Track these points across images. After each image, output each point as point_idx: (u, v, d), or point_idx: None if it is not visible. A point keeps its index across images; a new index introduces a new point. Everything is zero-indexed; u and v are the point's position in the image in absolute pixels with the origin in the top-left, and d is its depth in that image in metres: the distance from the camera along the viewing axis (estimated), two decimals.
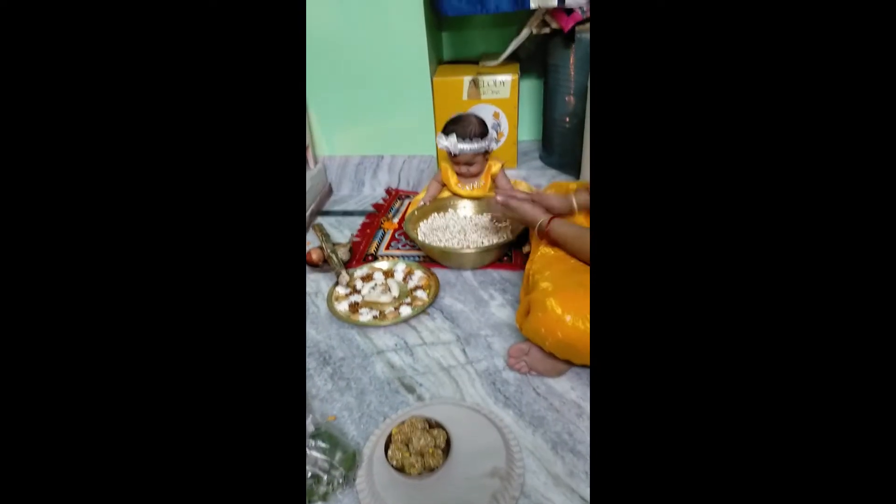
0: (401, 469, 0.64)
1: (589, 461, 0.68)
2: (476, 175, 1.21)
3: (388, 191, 1.50)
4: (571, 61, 1.27)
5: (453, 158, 1.18)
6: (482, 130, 1.16)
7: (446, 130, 1.16)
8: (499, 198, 0.93)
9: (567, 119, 1.36)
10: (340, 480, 0.66)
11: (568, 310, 0.69)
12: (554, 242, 0.85)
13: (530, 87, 1.59)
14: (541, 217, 0.88)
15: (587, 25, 1.20)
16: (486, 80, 1.33)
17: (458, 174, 1.22)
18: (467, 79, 1.34)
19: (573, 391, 0.79)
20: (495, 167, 1.20)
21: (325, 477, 0.66)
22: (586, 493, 0.64)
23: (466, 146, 1.14)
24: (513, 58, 1.39)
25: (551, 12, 1.22)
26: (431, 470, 0.64)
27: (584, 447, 0.70)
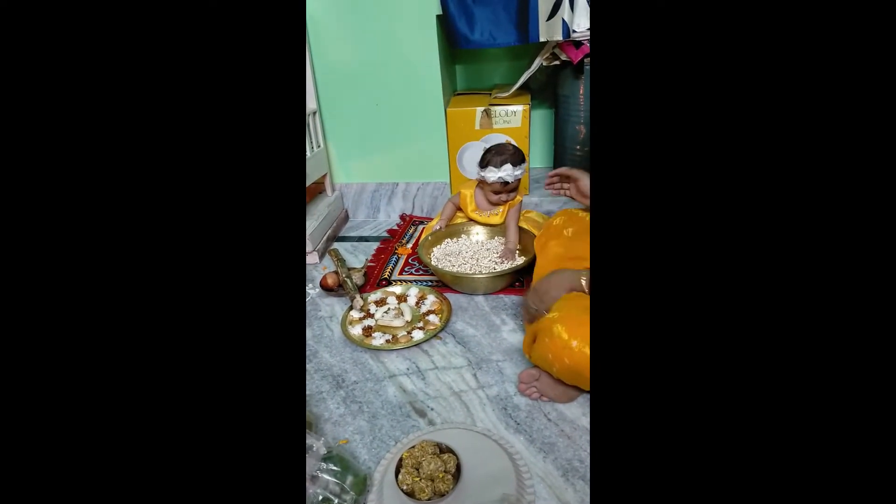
0: (411, 494, 0.64)
1: None
2: (508, 201, 1.23)
3: (402, 217, 1.53)
4: (581, 92, 1.30)
5: (502, 188, 1.17)
6: (522, 155, 1.18)
7: (496, 163, 1.14)
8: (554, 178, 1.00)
9: (578, 147, 1.39)
10: None
11: (574, 335, 0.70)
12: None
13: (541, 116, 1.62)
14: None
15: None
16: (498, 110, 1.37)
17: (496, 203, 1.22)
18: (479, 109, 1.38)
19: (584, 417, 0.78)
20: (517, 197, 1.22)
21: (336, 500, 0.67)
22: None
23: (519, 172, 1.15)
24: (524, 88, 1.43)
25: (561, 45, 1.26)
26: (441, 495, 0.64)
27: None
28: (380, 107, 1.41)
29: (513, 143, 1.40)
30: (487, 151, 1.18)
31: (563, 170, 1.00)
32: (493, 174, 1.15)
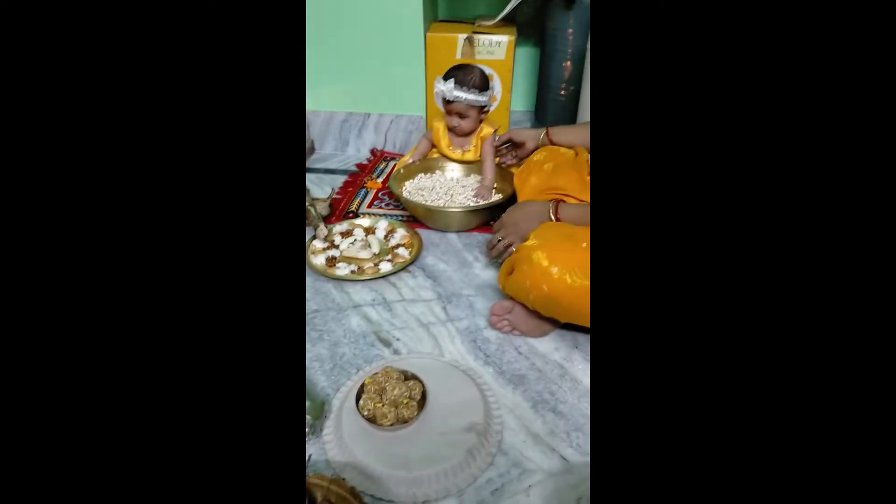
0: (372, 419, 0.60)
1: (571, 421, 0.65)
2: (467, 133, 1.15)
3: (373, 151, 1.44)
4: (570, 24, 1.22)
5: (447, 107, 1.11)
6: (483, 83, 1.08)
7: (446, 75, 1.07)
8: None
9: (563, 88, 1.32)
10: (306, 430, 0.62)
11: (555, 262, 0.66)
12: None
13: (526, 55, 1.54)
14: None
15: None
16: (482, 38, 1.28)
17: (450, 128, 1.15)
18: (462, 36, 1.28)
19: (557, 352, 0.76)
20: (487, 130, 1.15)
21: None
22: (567, 452, 0.61)
23: (462, 94, 1.05)
24: (510, 22, 1.33)
25: None
26: (405, 421, 0.60)
27: (566, 407, 0.67)
28: (353, 27, 1.28)
29: (495, 77, 1.32)
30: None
31: (510, 132, 1.07)
32: (438, 85, 1.08)
